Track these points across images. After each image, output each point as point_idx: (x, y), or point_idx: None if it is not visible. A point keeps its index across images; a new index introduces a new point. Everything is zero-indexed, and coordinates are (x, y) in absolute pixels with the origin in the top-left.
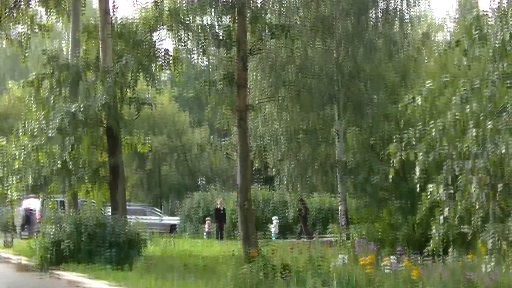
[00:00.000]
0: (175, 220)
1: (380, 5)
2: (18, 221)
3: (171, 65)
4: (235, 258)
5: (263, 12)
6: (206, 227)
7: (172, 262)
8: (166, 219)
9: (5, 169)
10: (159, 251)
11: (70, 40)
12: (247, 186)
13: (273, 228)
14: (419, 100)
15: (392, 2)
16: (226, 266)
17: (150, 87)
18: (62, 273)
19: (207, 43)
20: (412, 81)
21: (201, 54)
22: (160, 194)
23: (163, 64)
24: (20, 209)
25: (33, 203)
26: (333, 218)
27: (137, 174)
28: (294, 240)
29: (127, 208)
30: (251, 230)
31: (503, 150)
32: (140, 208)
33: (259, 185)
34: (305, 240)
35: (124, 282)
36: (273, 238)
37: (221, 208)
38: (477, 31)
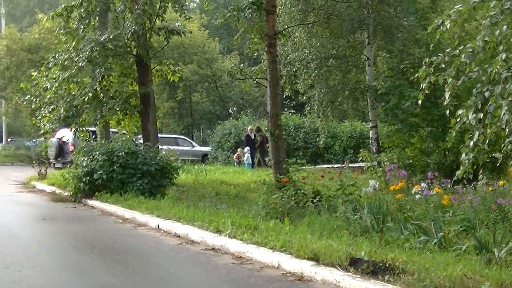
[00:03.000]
0: (206, 149)
1: None
2: (51, 152)
3: None
4: (267, 186)
5: None
6: (236, 154)
7: (203, 191)
8: (197, 148)
9: (37, 100)
10: (190, 180)
11: None
12: (277, 112)
13: (245, 157)
14: (449, 24)
15: None
16: (257, 193)
17: (179, 16)
18: (96, 203)
19: None
20: (442, 5)
21: None
22: (192, 123)
23: None
24: (53, 140)
25: (66, 134)
26: (364, 145)
27: (168, 103)
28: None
29: (159, 137)
30: (282, 157)
31: None
32: (171, 138)
33: (289, 112)
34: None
35: (157, 211)
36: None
37: (253, 136)
38: None
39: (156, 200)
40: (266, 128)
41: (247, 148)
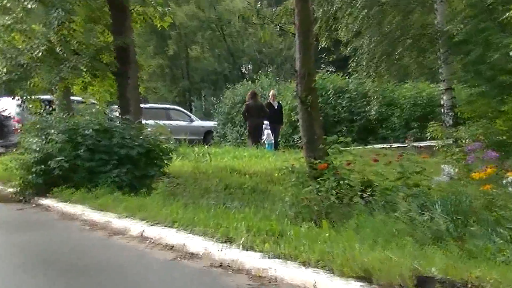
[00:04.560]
0: (210, 124)
1: None
2: None
3: None
4: (296, 175)
5: None
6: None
7: (207, 183)
8: (198, 123)
9: None
10: (188, 167)
11: None
12: (310, 71)
13: (265, 135)
14: None
15: None
16: (283, 186)
17: None
18: (53, 202)
19: None
20: None
21: None
22: (189, 87)
23: None
24: None
25: (8, 105)
26: (434, 115)
27: (156, 60)
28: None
29: (143, 109)
30: (317, 134)
31: None
32: (161, 109)
33: (327, 71)
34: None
35: (141, 213)
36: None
37: (276, 104)
38: None
39: (139, 196)
40: (294, 93)
41: (266, 123)
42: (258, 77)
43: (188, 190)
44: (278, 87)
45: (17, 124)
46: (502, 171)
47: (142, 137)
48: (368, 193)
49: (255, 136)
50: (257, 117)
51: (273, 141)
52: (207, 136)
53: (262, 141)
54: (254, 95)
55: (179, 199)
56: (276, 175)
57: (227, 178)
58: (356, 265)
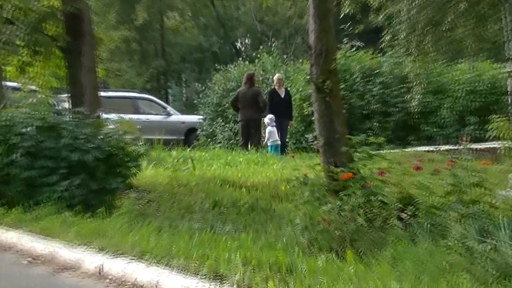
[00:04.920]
0: (193, 119)
1: None
2: None
3: None
4: (311, 188)
5: None
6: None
7: (189, 199)
8: (177, 117)
9: None
10: (165, 178)
11: None
12: (329, 47)
13: (266, 133)
14: None
15: None
16: (292, 203)
17: None
18: None
19: None
20: None
21: None
22: (165, 69)
23: None
24: None
25: None
26: (498, 106)
27: (120, 32)
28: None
29: (102, 98)
30: (338, 133)
31: None
32: (126, 98)
33: (352, 46)
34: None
35: (99, 241)
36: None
37: (283, 92)
38: None
39: (97, 218)
40: (308, 76)
41: (270, 117)
42: (258, 55)
43: (164, 208)
44: (285, 69)
45: None
46: None
47: (100, 137)
48: (408, 212)
49: (247, 135)
50: (250, 107)
51: (279, 142)
52: (189, 135)
53: (264, 142)
54: (250, 78)
55: (151, 221)
56: (283, 188)
57: (216, 193)
58: None
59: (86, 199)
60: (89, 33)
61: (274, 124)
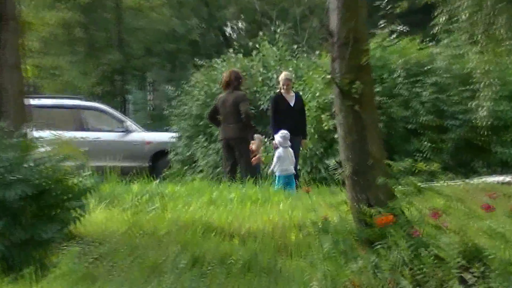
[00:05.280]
0: (163, 137)
1: None
2: None
3: None
4: (333, 237)
5: None
6: (254, 146)
7: (157, 253)
8: (139, 135)
9: None
10: (122, 223)
11: None
12: (358, 34)
13: (275, 159)
14: None
15: None
16: (307, 258)
17: None
18: None
19: None
20: None
21: None
22: (123, 66)
23: None
24: None
25: None
26: None
27: (58, 13)
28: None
29: (32, 106)
30: (374, 157)
31: None
32: (67, 107)
33: (392, 32)
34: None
35: None
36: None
37: (292, 98)
38: None
39: (23, 282)
40: (329, 76)
41: (282, 134)
42: (257, 45)
43: (120, 268)
44: (295, 65)
45: None
46: None
47: (29, 165)
48: (476, 272)
49: (232, 160)
50: (231, 121)
51: (293, 171)
52: (157, 160)
53: (269, 169)
54: (234, 79)
55: (102, 287)
56: (293, 237)
57: (196, 245)
58: None
59: (7, 254)
60: (12, 16)
61: (289, 144)
